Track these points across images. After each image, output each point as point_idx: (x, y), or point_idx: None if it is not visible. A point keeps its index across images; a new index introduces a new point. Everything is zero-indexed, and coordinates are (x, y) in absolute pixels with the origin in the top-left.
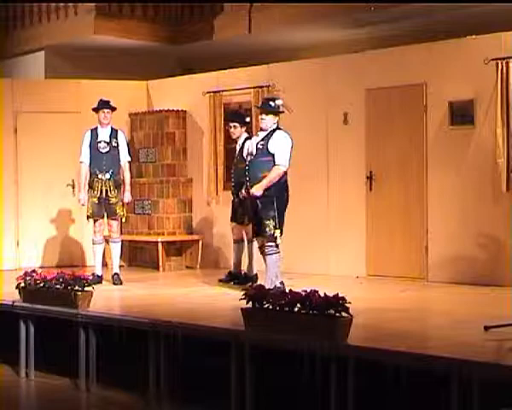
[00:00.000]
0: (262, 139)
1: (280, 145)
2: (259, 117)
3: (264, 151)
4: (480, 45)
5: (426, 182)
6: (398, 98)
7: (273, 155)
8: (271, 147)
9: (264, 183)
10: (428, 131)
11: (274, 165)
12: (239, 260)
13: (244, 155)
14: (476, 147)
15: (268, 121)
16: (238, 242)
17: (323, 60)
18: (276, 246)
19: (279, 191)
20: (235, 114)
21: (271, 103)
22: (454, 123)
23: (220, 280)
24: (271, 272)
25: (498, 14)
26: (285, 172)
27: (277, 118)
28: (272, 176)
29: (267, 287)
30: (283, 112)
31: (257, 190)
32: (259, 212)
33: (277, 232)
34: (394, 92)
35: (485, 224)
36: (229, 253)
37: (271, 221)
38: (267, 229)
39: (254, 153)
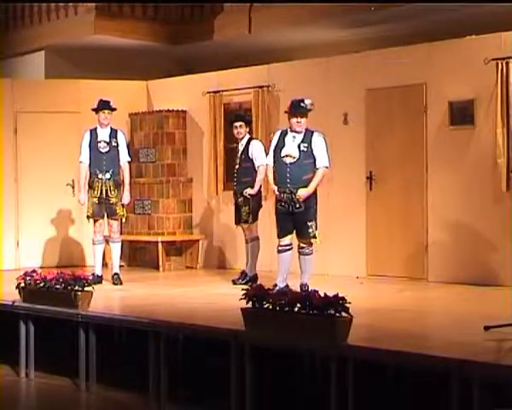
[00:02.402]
0: (302, 141)
1: (323, 147)
2: (295, 120)
3: (308, 153)
4: (480, 45)
5: (426, 182)
6: (398, 98)
7: (314, 157)
8: (315, 149)
9: (313, 186)
10: (428, 131)
11: (315, 167)
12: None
13: (250, 155)
14: (476, 147)
15: (304, 123)
16: (247, 242)
17: (323, 60)
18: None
19: (316, 193)
20: (240, 114)
21: (303, 105)
22: (454, 123)
23: (234, 281)
24: (311, 270)
25: (498, 14)
26: None
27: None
28: (320, 178)
29: (305, 282)
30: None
31: (305, 194)
32: (302, 214)
33: (317, 233)
34: (394, 92)
35: (485, 224)
36: (229, 253)
37: (313, 222)
38: (310, 230)
39: (297, 155)
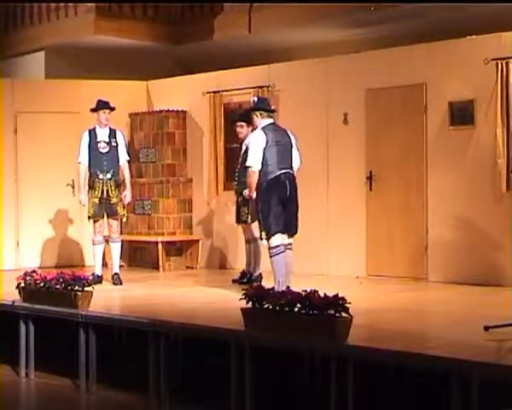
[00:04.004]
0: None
1: (250, 146)
2: None
3: (246, 155)
4: (480, 45)
5: (426, 182)
6: (398, 98)
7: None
8: (249, 149)
9: (247, 189)
10: (428, 131)
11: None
12: (250, 259)
13: None
14: (476, 147)
15: (254, 121)
16: (248, 242)
17: (323, 60)
18: (270, 248)
19: (262, 193)
20: (242, 114)
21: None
22: (454, 123)
23: (234, 280)
24: (275, 274)
25: (498, 14)
26: (270, 173)
27: (257, 117)
28: (248, 180)
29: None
30: (256, 108)
31: (249, 194)
32: None
33: (263, 234)
34: (394, 92)
35: (485, 224)
36: (229, 253)
37: (258, 224)
38: (257, 230)
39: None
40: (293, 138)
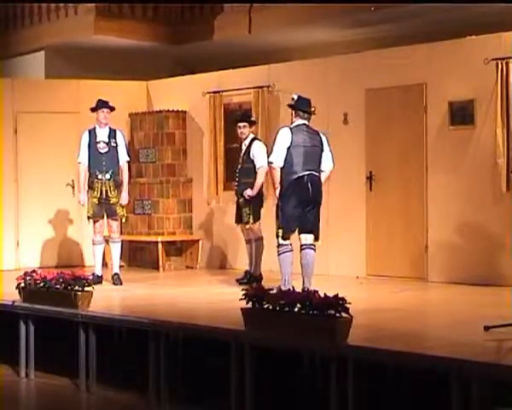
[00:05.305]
0: None
1: (275, 143)
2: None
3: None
4: (480, 45)
5: (426, 182)
6: (398, 98)
7: None
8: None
9: (272, 181)
10: (428, 131)
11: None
12: (252, 259)
13: (251, 156)
14: (476, 147)
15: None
16: (249, 242)
17: (323, 60)
18: (278, 245)
19: (283, 192)
20: (244, 115)
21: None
22: (454, 123)
23: (237, 280)
24: (281, 272)
25: (499, 14)
26: (294, 173)
27: (292, 115)
28: (270, 176)
29: (282, 288)
30: (293, 106)
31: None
32: None
33: (280, 232)
34: (394, 92)
35: (485, 224)
36: (229, 253)
37: (276, 220)
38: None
39: None
40: (325, 141)
